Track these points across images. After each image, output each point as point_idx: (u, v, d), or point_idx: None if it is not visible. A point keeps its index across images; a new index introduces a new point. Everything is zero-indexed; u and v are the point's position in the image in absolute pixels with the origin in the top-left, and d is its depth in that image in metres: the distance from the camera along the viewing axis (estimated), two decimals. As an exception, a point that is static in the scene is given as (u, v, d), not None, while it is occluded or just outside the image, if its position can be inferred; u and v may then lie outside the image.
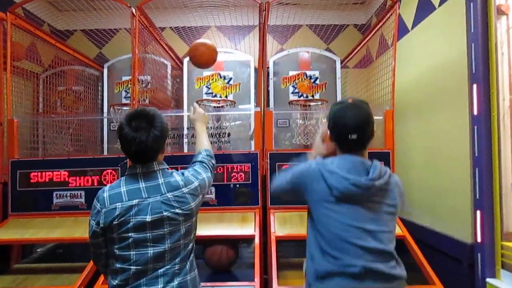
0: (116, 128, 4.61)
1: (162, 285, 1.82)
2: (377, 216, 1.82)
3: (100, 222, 1.85)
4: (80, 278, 2.72)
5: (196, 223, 2.02)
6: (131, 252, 1.82)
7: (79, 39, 5.41)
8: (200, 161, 2.14)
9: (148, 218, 1.82)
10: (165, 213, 1.84)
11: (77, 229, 3.22)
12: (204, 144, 2.33)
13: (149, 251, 1.83)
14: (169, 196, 1.87)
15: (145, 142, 1.84)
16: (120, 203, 1.83)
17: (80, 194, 3.50)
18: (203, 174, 2.06)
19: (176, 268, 1.86)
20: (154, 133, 1.87)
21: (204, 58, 3.26)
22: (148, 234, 1.82)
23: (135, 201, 1.83)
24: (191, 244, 1.97)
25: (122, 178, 1.95)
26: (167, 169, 1.98)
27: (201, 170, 2.08)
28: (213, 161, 2.24)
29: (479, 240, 2.70)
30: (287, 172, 2.04)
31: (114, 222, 1.82)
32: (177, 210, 1.86)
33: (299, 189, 1.94)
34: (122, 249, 1.84)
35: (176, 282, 1.84)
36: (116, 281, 1.84)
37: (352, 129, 1.86)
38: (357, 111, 1.89)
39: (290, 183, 1.98)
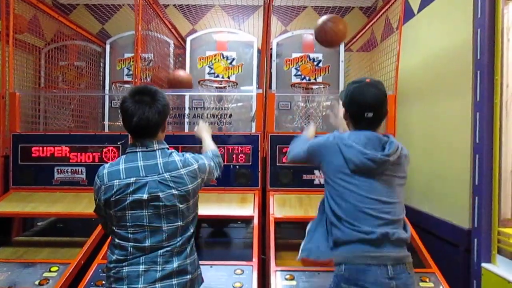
0: (118, 106, 4.63)
1: (160, 267, 1.84)
2: (390, 188, 1.93)
3: (101, 198, 1.89)
4: (80, 253, 2.75)
5: (195, 207, 2.02)
6: (128, 230, 1.85)
7: (81, 14, 5.36)
8: (205, 155, 2.16)
9: (145, 197, 1.83)
10: (161, 193, 1.85)
11: (78, 205, 3.24)
12: (210, 146, 2.38)
13: (146, 230, 1.85)
14: (166, 176, 1.88)
15: (147, 115, 1.86)
16: (118, 180, 1.86)
17: (81, 170, 3.51)
18: (204, 160, 2.08)
19: (175, 250, 1.88)
20: (157, 107, 1.89)
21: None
22: (144, 213, 1.84)
23: (132, 179, 1.85)
24: (191, 229, 1.98)
25: (123, 156, 1.97)
26: (167, 149, 1.99)
27: (203, 157, 2.10)
28: (219, 159, 2.25)
29: (476, 225, 2.72)
30: (304, 142, 2.20)
31: (111, 199, 1.85)
32: (174, 191, 1.87)
33: (315, 159, 2.08)
34: (119, 226, 1.88)
35: (175, 264, 1.87)
36: (115, 256, 1.88)
37: (368, 108, 1.93)
38: (374, 90, 1.96)
39: (307, 152, 2.12)
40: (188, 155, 2.02)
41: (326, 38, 3.56)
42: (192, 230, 1.99)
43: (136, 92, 1.91)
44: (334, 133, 2.03)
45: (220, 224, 3.71)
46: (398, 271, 1.83)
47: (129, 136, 3.40)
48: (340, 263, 1.88)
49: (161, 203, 1.85)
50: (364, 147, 1.89)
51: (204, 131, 2.56)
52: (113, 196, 1.84)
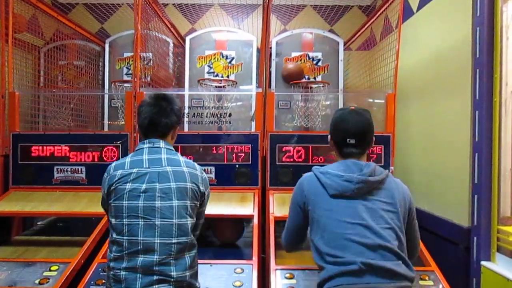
0: (117, 105, 4.63)
1: (158, 272, 1.83)
2: (374, 212, 1.85)
3: (105, 188, 1.97)
4: (80, 252, 2.74)
5: (193, 211, 2.00)
6: (124, 221, 1.88)
7: (81, 13, 5.35)
8: None
9: (143, 187, 1.89)
10: (159, 184, 1.90)
11: (78, 204, 3.24)
12: None
13: (139, 223, 1.87)
14: (168, 169, 1.95)
15: (161, 114, 2.03)
16: (121, 170, 1.95)
17: (81, 169, 3.51)
18: (208, 180, 2.15)
19: (172, 257, 1.86)
20: (171, 109, 2.07)
21: None
22: (139, 204, 1.88)
23: (135, 170, 1.93)
24: (189, 235, 1.94)
25: (132, 153, 2.08)
26: (173, 150, 2.09)
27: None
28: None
29: (475, 223, 2.73)
30: (288, 219, 2.15)
31: (112, 187, 1.92)
32: (172, 184, 1.92)
33: (306, 208, 1.99)
34: (116, 217, 1.91)
35: (174, 273, 1.85)
36: (113, 254, 1.90)
37: (351, 134, 1.96)
38: (357, 117, 1.99)
39: (297, 215, 2.06)
40: (194, 163, 2.11)
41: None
42: (191, 238, 1.96)
43: (155, 97, 2.09)
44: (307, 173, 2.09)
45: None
46: None
47: (129, 136, 3.42)
48: None
49: (157, 194, 1.89)
50: (341, 172, 1.91)
51: None
52: (114, 185, 1.92)
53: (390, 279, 1.75)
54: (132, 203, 1.88)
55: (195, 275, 1.98)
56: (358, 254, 1.77)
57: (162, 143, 2.04)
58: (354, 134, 1.96)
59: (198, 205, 2.04)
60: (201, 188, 2.03)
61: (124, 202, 1.89)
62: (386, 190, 1.91)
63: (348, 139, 1.96)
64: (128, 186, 1.90)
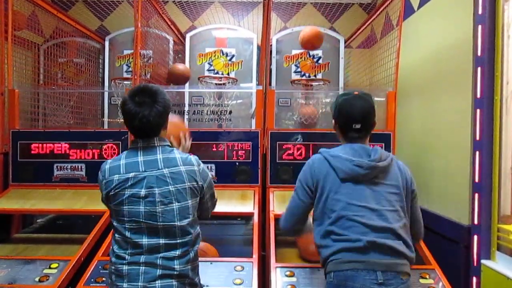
0: (117, 103, 4.63)
1: (160, 270, 1.82)
2: (380, 195, 1.94)
3: (103, 192, 1.92)
4: (80, 249, 2.74)
5: (194, 210, 1.98)
6: (126, 225, 1.86)
7: (80, 10, 5.32)
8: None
9: (142, 192, 1.84)
10: (157, 189, 1.85)
11: (78, 201, 3.24)
12: None
13: (142, 227, 1.85)
14: (165, 172, 1.88)
15: (148, 117, 1.87)
16: (117, 175, 1.88)
17: (81, 167, 3.50)
18: (208, 173, 2.08)
19: (177, 254, 1.86)
20: (157, 108, 1.90)
21: None
22: (140, 209, 1.84)
23: (131, 174, 1.87)
24: (192, 232, 1.93)
25: (124, 152, 1.98)
26: (168, 146, 2.00)
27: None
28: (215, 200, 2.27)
29: (476, 222, 2.73)
30: (292, 198, 2.15)
31: (110, 193, 1.87)
32: (171, 187, 1.87)
33: (314, 188, 2.02)
34: (118, 221, 1.89)
35: (177, 267, 1.85)
36: (115, 252, 1.88)
37: (356, 119, 2.01)
38: (362, 103, 2.04)
39: (303, 194, 2.07)
40: (191, 156, 2.02)
41: None
42: (194, 234, 1.95)
43: (136, 92, 1.91)
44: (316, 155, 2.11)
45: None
46: (389, 277, 1.81)
47: (129, 133, 3.40)
48: (330, 271, 1.90)
49: (157, 199, 1.85)
50: (351, 156, 1.95)
51: None
52: (112, 190, 1.87)
53: (392, 255, 1.86)
54: (133, 208, 1.85)
55: (196, 269, 1.98)
56: (363, 234, 1.85)
57: (156, 141, 1.95)
58: (360, 119, 2.00)
59: (199, 199, 2.01)
60: (200, 182, 1.98)
61: (124, 207, 1.85)
62: (391, 174, 1.99)
63: (354, 124, 2.00)
64: (127, 192, 1.85)
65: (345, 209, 1.90)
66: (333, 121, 2.13)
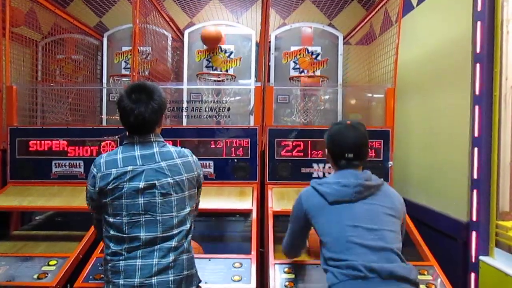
0: (115, 99, 4.61)
1: (157, 260, 1.85)
2: (375, 215, 1.91)
3: (96, 185, 1.92)
4: (79, 246, 2.74)
5: (191, 201, 2.03)
6: (123, 219, 1.87)
7: (78, 7, 5.30)
8: None
9: (141, 185, 1.87)
10: (157, 181, 1.89)
11: (76, 198, 3.23)
12: None
13: (141, 220, 1.87)
14: (163, 165, 1.93)
15: (144, 114, 1.92)
16: (115, 169, 1.90)
17: (79, 163, 3.50)
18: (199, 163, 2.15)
19: (173, 245, 1.89)
20: (153, 105, 1.94)
21: None
22: (140, 201, 1.87)
23: (129, 168, 1.89)
24: (187, 223, 1.98)
25: (120, 146, 2.02)
26: (162, 141, 2.05)
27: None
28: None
29: (474, 219, 2.73)
30: (288, 230, 2.23)
31: (108, 187, 1.88)
32: (169, 179, 1.92)
33: (305, 221, 2.06)
34: (115, 216, 1.89)
35: (171, 258, 1.87)
36: (111, 249, 1.89)
37: (348, 149, 2.02)
38: (355, 133, 2.05)
39: (296, 226, 2.16)
40: (182, 148, 2.10)
41: None
42: (189, 225, 1.99)
43: (133, 90, 1.96)
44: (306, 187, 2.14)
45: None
46: None
47: (127, 130, 3.40)
48: None
49: (156, 191, 1.88)
50: (339, 179, 1.97)
51: None
52: (110, 184, 1.88)
53: (394, 280, 1.77)
54: (132, 201, 1.87)
55: (191, 260, 1.99)
56: (360, 256, 1.80)
57: (152, 137, 2.00)
58: (352, 148, 2.01)
59: (195, 189, 2.08)
60: (196, 173, 2.06)
61: (123, 200, 1.87)
62: (385, 196, 1.99)
63: (346, 154, 2.01)
64: (126, 185, 1.87)
65: (339, 231, 1.88)
66: (326, 150, 2.16)
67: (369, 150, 2.15)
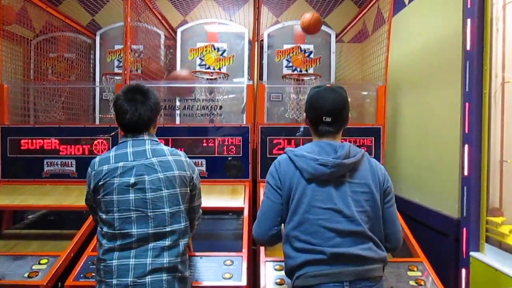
0: (108, 98, 4.59)
1: (150, 259, 1.86)
2: (347, 196, 1.83)
3: (91, 184, 1.95)
4: (70, 245, 2.74)
5: (184, 198, 2.03)
6: (115, 215, 1.88)
7: (71, 5, 5.27)
8: None
9: (132, 180, 1.90)
10: (147, 177, 1.91)
11: (68, 197, 3.23)
12: None
13: (132, 216, 1.87)
14: (154, 161, 1.96)
15: (139, 113, 1.97)
16: (107, 165, 1.93)
17: (71, 162, 3.49)
18: (193, 164, 2.17)
19: (166, 244, 1.90)
20: (148, 105, 2.01)
21: None
22: (130, 197, 1.89)
23: (120, 164, 1.93)
24: (182, 222, 1.99)
25: (115, 146, 2.05)
26: (156, 140, 2.08)
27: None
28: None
29: (465, 215, 2.74)
30: (262, 202, 2.00)
31: (99, 183, 1.91)
32: (160, 175, 1.93)
33: (282, 191, 1.91)
34: (107, 212, 1.91)
35: (166, 259, 1.88)
36: (104, 246, 1.90)
37: (327, 112, 1.90)
38: (333, 95, 1.93)
39: (273, 196, 1.93)
40: (178, 150, 2.13)
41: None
42: (183, 225, 1.99)
43: (129, 90, 2.02)
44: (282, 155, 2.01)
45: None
46: (356, 285, 1.75)
47: (119, 129, 3.39)
48: (298, 286, 1.84)
49: (147, 186, 1.90)
50: (316, 155, 1.85)
51: None
52: (101, 180, 1.91)
53: (359, 263, 1.77)
54: (122, 197, 1.89)
55: (185, 263, 2.00)
56: (328, 240, 1.78)
57: (145, 135, 2.04)
58: (330, 112, 1.91)
59: (188, 190, 2.07)
60: (188, 173, 2.06)
61: (114, 196, 1.89)
62: (360, 171, 1.89)
63: (324, 117, 1.90)
64: (117, 180, 1.90)
65: (308, 212, 1.81)
66: (304, 114, 2.05)
67: (349, 117, 1.98)
